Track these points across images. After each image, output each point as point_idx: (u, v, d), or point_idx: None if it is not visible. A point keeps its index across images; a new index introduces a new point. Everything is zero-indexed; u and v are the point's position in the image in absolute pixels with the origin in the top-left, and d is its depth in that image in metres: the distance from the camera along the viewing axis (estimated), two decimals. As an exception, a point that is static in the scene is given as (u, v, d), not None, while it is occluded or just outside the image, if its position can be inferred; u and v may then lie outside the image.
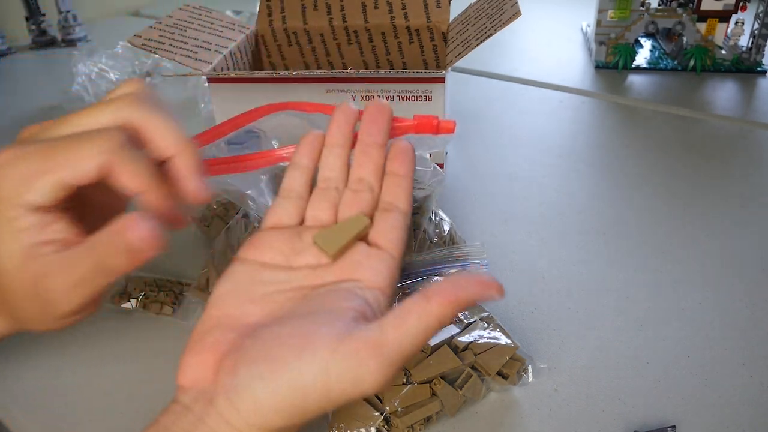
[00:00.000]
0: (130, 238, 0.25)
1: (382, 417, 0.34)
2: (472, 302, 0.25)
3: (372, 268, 0.29)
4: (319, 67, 0.70)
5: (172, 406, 0.27)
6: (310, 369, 0.24)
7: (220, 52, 0.59)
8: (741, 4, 0.87)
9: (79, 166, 0.25)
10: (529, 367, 0.39)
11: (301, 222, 0.32)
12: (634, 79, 0.88)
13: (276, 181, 0.36)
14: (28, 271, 0.25)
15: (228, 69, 0.60)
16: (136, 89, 0.28)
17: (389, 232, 0.31)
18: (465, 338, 0.38)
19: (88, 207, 0.29)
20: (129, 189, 0.26)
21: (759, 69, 0.87)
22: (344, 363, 0.24)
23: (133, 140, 0.27)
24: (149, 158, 0.27)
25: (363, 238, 0.31)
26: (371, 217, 0.31)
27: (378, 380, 0.24)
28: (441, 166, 0.57)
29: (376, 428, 0.34)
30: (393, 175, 0.32)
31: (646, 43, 0.98)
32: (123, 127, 0.27)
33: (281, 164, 0.35)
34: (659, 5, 1.02)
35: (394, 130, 0.34)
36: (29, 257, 0.25)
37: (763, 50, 0.86)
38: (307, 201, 0.32)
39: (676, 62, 0.90)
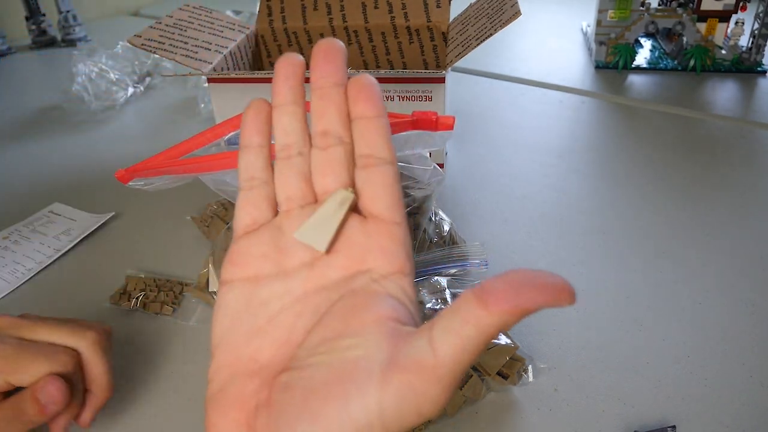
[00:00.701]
0: (39, 394, 0.31)
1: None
2: (539, 309, 0.20)
3: (378, 248, 0.24)
4: (319, 67, 0.70)
5: None
6: (362, 416, 0.21)
7: (220, 52, 0.59)
8: (741, 4, 0.87)
9: (25, 377, 0.31)
10: (529, 367, 0.39)
11: (276, 212, 0.27)
12: (634, 79, 0.88)
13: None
14: None
15: (228, 69, 0.60)
16: (99, 337, 0.34)
17: (382, 195, 0.25)
18: (465, 338, 0.38)
19: None
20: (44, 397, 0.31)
21: (759, 69, 0.87)
22: (399, 398, 0.21)
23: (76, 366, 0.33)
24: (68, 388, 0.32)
25: (353, 209, 0.25)
26: (352, 178, 0.26)
27: (439, 405, 0.21)
28: (441, 165, 0.57)
29: (376, 428, 0.34)
30: (362, 119, 0.26)
31: (646, 43, 0.98)
32: (73, 352, 0.33)
33: None
34: (659, 5, 1.02)
35: (393, 127, 0.33)
36: None
37: (763, 50, 0.86)
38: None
39: (676, 62, 0.90)
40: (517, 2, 0.51)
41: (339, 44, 0.27)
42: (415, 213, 0.46)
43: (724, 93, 0.82)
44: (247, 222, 0.27)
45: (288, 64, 0.27)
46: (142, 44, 0.53)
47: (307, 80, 0.27)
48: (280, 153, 0.27)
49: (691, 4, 0.90)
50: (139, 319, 0.47)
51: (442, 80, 0.53)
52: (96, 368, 0.34)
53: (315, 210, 0.25)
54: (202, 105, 0.82)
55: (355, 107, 0.26)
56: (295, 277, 0.25)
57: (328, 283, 0.25)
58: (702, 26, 0.88)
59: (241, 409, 0.23)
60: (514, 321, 0.20)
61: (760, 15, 0.84)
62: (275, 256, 0.25)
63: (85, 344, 0.34)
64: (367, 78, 0.26)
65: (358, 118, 0.26)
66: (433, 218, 0.47)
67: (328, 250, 0.25)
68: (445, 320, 0.21)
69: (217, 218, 0.53)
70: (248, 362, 0.24)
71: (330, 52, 0.27)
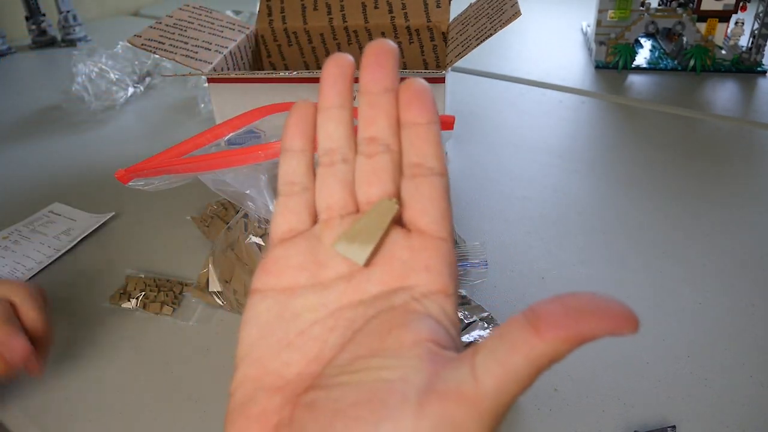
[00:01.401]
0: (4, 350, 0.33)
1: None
2: (598, 338, 0.18)
3: (422, 264, 0.23)
4: (319, 67, 0.70)
5: None
6: None
7: (220, 52, 0.59)
8: (741, 4, 0.87)
9: None
10: (529, 367, 0.39)
11: (315, 220, 0.25)
12: (634, 79, 0.88)
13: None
14: None
15: (228, 69, 0.60)
16: (31, 290, 0.39)
17: (429, 208, 0.23)
18: (465, 338, 0.38)
19: None
20: None
21: (759, 69, 0.87)
22: (434, 429, 0.18)
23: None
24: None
25: (396, 222, 0.24)
26: (398, 189, 0.24)
27: None
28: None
29: (376, 428, 0.34)
30: (413, 125, 0.24)
31: (646, 43, 0.98)
32: (7, 303, 0.37)
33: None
34: (659, 5, 1.02)
35: None
36: None
37: (763, 50, 0.86)
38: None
39: (676, 62, 0.90)
40: (517, 2, 0.51)
41: (391, 46, 0.25)
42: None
43: (724, 93, 0.82)
44: (285, 229, 0.25)
45: (336, 65, 0.25)
46: (142, 44, 0.53)
47: (355, 80, 0.25)
48: (323, 159, 0.25)
49: (691, 4, 0.90)
50: (139, 319, 0.47)
51: (442, 80, 0.53)
52: (33, 316, 0.38)
53: (356, 220, 0.24)
54: (202, 105, 0.82)
55: (407, 113, 0.24)
56: (331, 289, 0.24)
57: (366, 298, 0.23)
58: (702, 26, 0.88)
59: (264, 426, 0.22)
60: (569, 351, 0.19)
61: (760, 15, 0.84)
62: (312, 266, 0.24)
63: (19, 296, 0.38)
64: (421, 83, 0.24)
65: (410, 124, 0.24)
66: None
67: (368, 264, 0.23)
68: (491, 346, 0.19)
69: (217, 218, 0.53)
70: (274, 377, 0.23)
71: (382, 54, 0.24)
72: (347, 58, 0.25)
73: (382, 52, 0.24)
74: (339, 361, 0.22)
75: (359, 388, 0.20)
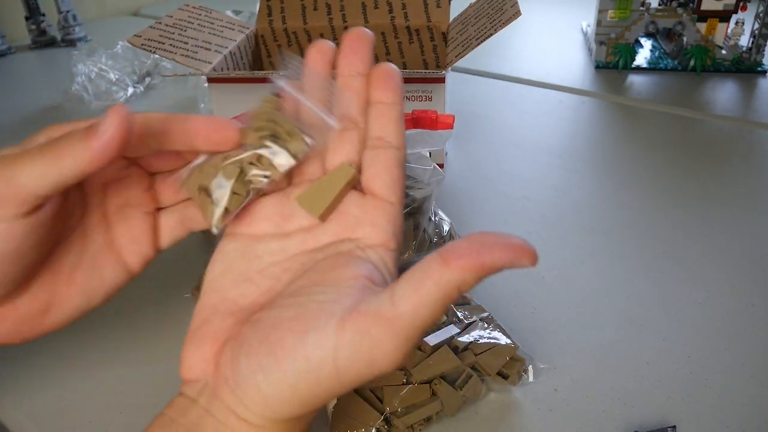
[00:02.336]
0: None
1: (382, 417, 0.34)
2: (499, 269, 0.21)
3: (369, 221, 0.26)
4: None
5: (178, 399, 0.25)
6: (316, 353, 0.22)
7: (220, 52, 0.59)
8: (741, 4, 0.87)
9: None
10: (529, 367, 0.39)
11: (289, 182, 0.29)
12: (634, 79, 0.88)
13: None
14: None
15: (228, 69, 0.60)
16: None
17: (383, 175, 0.27)
18: (465, 338, 0.38)
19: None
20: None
21: (759, 69, 0.87)
22: (354, 343, 0.21)
23: None
24: None
25: (354, 186, 0.27)
26: (360, 159, 0.28)
27: (394, 359, 0.22)
28: (441, 165, 0.57)
29: (376, 428, 0.34)
30: (378, 103, 0.28)
31: (646, 43, 0.98)
32: None
33: None
34: (659, 5, 1.02)
35: None
36: None
37: (764, 50, 0.86)
38: None
39: (676, 62, 0.90)
40: (517, 2, 0.51)
41: (367, 34, 0.28)
42: (414, 213, 0.46)
43: (724, 93, 0.82)
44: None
45: (319, 51, 0.29)
46: (142, 44, 0.53)
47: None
48: None
49: (691, 4, 0.90)
50: (139, 320, 0.47)
51: (442, 80, 0.53)
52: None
53: (318, 180, 0.27)
54: (202, 105, 0.82)
55: (374, 93, 0.28)
56: (291, 239, 0.27)
57: (318, 246, 0.27)
58: (702, 26, 0.88)
59: (213, 344, 0.25)
60: (475, 279, 0.21)
61: (761, 15, 0.84)
62: (278, 220, 0.28)
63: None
64: (389, 66, 0.28)
65: (375, 102, 0.28)
66: (432, 218, 0.47)
67: (324, 219, 0.27)
68: (408, 277, 0.22)
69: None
70: (230, 304, 0.26)
71: (359, 42, 0.28)
72: (329, 45, 0.29)
73: (359, 39, 0.28)
74: (287, 291, 0.25)
75: (297, 307, 0.24)
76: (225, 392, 0.24)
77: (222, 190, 0.27)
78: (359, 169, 0.28)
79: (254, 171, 0.27)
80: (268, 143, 0.27)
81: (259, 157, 0.27)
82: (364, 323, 0.22)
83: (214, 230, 0.27)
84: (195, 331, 0.26)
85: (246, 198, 0.27)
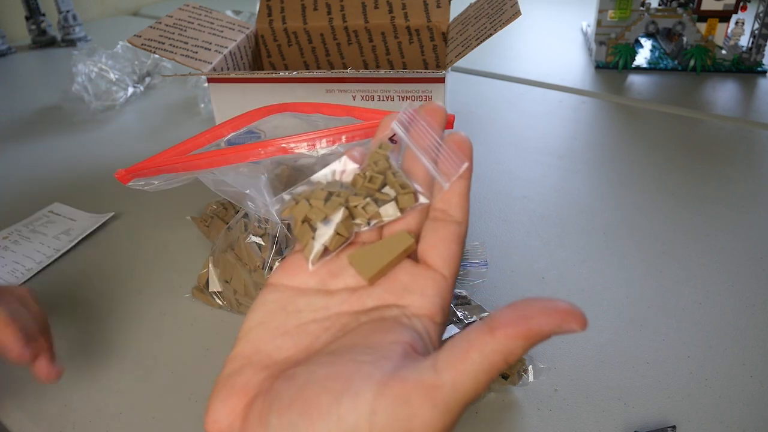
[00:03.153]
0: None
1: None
2: (547, 335, 0.20)
3: (419, 291, 0.26)
4: (319, 67, 0.70)
5: None
6: (351, 416, 0.21)
7: (220, 52, 0.59)
8: (741, 4, 0.87)
9: None
10: (529, 367, 0.39)
11: None
12: (634, 79, 0.88)
13: (278, 180, 0.36)
14: None
15: (228, 69, 0.60)
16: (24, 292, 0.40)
17: (440, 247, 0.27)
18: (465, 338, 0.38)
19: None
20: None
21: (759, 69, 0.87)
22: (392, 409, 0.20)
23: None
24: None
25: (410, 255, 0.27)
26: (419, 229, 0.28)
27: (431, 429, 0.20)
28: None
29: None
30: (446, 171, 0.28)
31: (647, 43, 0.98)
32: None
33: (286, 160, 0.34)
34: (659, 5, 1.02)
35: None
36: None
37: (764, 50, 0.86)
38: None
39: (676, 62, 0.90)
40: (517, 2, 0.51)
41: (441, 109, 0.28)
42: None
43: (724, 93, 0.82)
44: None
45: (432, 110, 0.29)
46: (142, 44, 0.53)
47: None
48: None
49: (691, 4, 0.90)
50: (139, 320, 0.47)
51: (442, 80, 0.53)
52: (36, 310, 0.40)
53: (375, 243, 0.27)
54: (202, 105, 0.82)
55: (444, 161, 0.28)
56: (335, 297, 0.26)
57: (363, 309, 0.26)
58: (702, 26, 0.88)
59: (243, 397, 0.24)
60: (522, 348, 0.21)
61: (761, 15, 0.84)
62: (325, 275, 0.27)
63: (17, 294, 0.40)
64: (462, 138, 0.28)
65: (443, 172, 0.28)
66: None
67: (373, 282, 0.26)
68: (452, 346, 0.21)
69: (217, 218, 0.53)
70: (264, 357, 0.25)
71: (433, 115, 0.28)
72: (441, 107, 0.29)
73: (433, 112, 0.28)
74: (325, 351, 0.24)
75: (333, 366, 0.23)
76: None
77: (326, 228, 0.27)
78: (417, 239, 0.27)
79: (360, 217, 0.27)
80: (380, 194, 0.27)
81: (366, 204, 0.27)
82: (404, 389, 0.21)
83: (310, 267, 0.27)
84: (225, 381, 0.25)
85: (346, 241, 0.27)
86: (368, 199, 0.27)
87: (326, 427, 0.21)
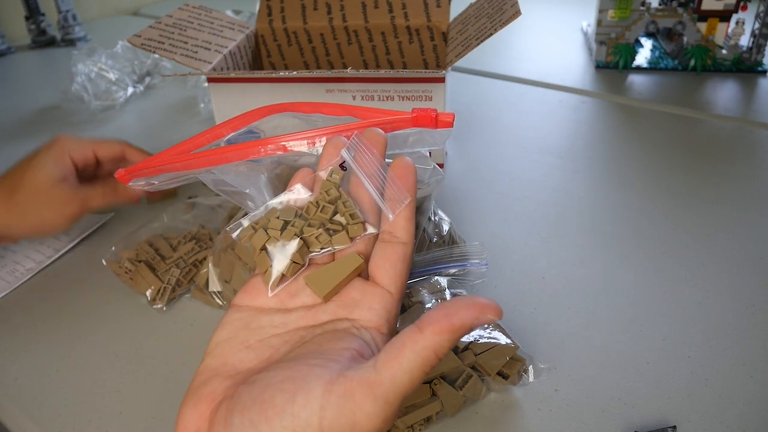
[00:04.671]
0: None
1: (382, 417, 0.34)
2: (470, 328, 0.24)
3: (368, 306, 0.29)
4: (319, 67, 0.70)
5: None
6: (303, 412, 0.23)
7: (219, 52, 0.59)
8: (742, 3, 0.87)
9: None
10: (530, 367, 0.39)
11: None
12: (635, 79, 0.88)
13: (278, 180, 0.36)
14: (52, 182, 0.49)
15: (228, 69, 0.60)
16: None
17: (386, 266, 0.30)
18: (465, 338, 0.38)
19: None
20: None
21: (760, 69, 0.87)
22: (339, 405, 0.23)
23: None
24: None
25: (360, 273, 0.30)
26: (369, 251, 0.30)
27: (375, 423, 0.23)
28: (441, 165, 0.57)
29: (376, 428, 0.34)
30: (392, 201, 0.31)
31: (647, 43, 0.98)
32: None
33: (285, 159, 0.34)
34: (660, 5, 1.02)
35: (392, 124, 0.34)
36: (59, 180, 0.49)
37: (764, 50, 0.86)
38: None
39: (676, 62, 0.90)
40: (517, 2, 0.51)
41: (382, 137, 0.31)
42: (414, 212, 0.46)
43: (724, 93, 0.82)
44: None
45: (374, 136, 0.31)
46: (142, 44, 0.53)
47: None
48: None
49: (691, 4, 0.90)
50: (139, 320, 0.47)
51: (442, 80, 0.53)
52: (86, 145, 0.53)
53: (328, 265, 0.30)
54: (202, 105, 0.82)
55: (390, 190, 0.30)
56: (293, 314, 0.29)
57: (317, 323, 0.29)
58: (702, 26, 0.88)
59: (209, 404, 0.26)
60: (449, 341, 0.24)
61: (761, 15, 0.84)
62: (284, 296, 0.30)
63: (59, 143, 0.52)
64: (407, 163, 0.31)
65: (390, 199, 0.30)
66: (432, 218, 0.47)
67: (327, 299, 0.29)
68: (389, 347, 0.24)
69: (144, 265, 0.49)
70: (229, 368, 0.27)
71: (375, 141, 0.31)
72: (381, 133, 0.32)
73: (374, 139, 0.31)
74: (284, 359, 0.27)
75: (290, 370, 0.25)
76: None
77: (283, 257, 0.29)
78: (367, 258, 0.30)
79: (314, 246, 0.30)
80: (332, 223, 0.30)
81: (319, 234, 0.30)
82: (349, 386, 0.23)
83: (270, 293, 0.30)
84: (194, 391, 0.27)
85: (302, 267, 0.30)
86: (321, 230, 0.30)
87: (281, 424, 0.23)
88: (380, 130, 0.31)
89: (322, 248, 0.30)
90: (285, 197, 0.31)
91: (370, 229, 0.30)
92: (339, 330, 0.28)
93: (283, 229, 0.30)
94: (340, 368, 0.24)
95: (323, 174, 0.31)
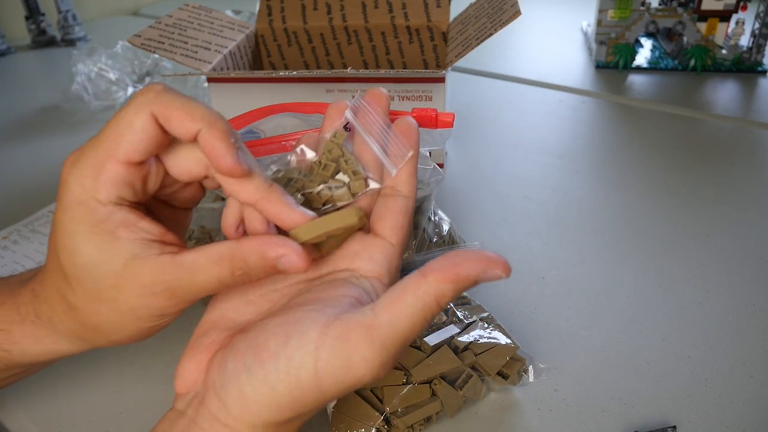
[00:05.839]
0: (275, 257, 0.26)
1: (382, 417, 0.34)
2: (474, 280, 0.23)
3: (368, 256, 0.28)
4: (319, 67, 0.70)
5: (168, 413, 0.26)
6: (297, 354, 0.23)
7: (219, 52, 0.59)
8: (741, 3, 0.87)
9: (132, 132, 0.24)
10: (530, 367, 0.39)
11: None
12: (635, 79, 0.88)
13: (277, 183, 0.36)
14: (110, 268, 0.25)
15: (228, 69, 0.60)
16: (155, 87, 0.26)
17: (388, 218, 0.29)
18: (465, 338, 0.38)
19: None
20: (185, 130, 0.24)
21: (759, 69, 0.87)
22: (334, 347, 0.22)
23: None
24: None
25: (362, 228, 0.29)
26: (371, 207, 0.30)
27: (371, 367, 0.22)
28: (441, 165, 0.57)
29: (376, 428, 0.34)
30: (394, 156, 0.30)
31: (647, 43, 0.98)
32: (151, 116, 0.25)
33: (283, 161, 0.34)
34: (660, 5, 1.02)
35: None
36: (128, 256, 0.25)
37: (764, 50, 0.86)
38: None
39: (676, 62, 0.90)
40: (517, 2, 0.51)
41: (385, 95, 0.31)
42: (414, 212, 0.46)
43: (724, 93, 0.82)
44: None
45: (376, 95, 0.31)
46: (142, 44, 0.53)
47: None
48: None
49: (691, 4, 0.90)
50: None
51: (442, 80, 0.53)
52: (182, 106, 0.25)
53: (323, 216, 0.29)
54: (202, 105, 0.82)
55: (392, 145, 0.30)
56: None
57: (318, 275, 0.29)
58: (702, 26, 0.88)
59: (206, 354, 0.26)
60: (452, 290, 0.23)
61: (761, 15, 0.84)
62: None
63: (149, 99, 0.25)
64: (410, 123, 0.30)
65: (392, 155, 0.30)
66: (432, 218, 0.47)
67: (326, 253, 0.29)
68: (390, 291, 0.24)
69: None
70: (228, 321, 0.27)
71: (378, 99, 0.31)
72: (384, 92, 0.31)
73: (378, 96, 0.30)
74: (282, 310, 0.26)
75: (285, 315, 0.25)
76: (211, 397, 0.25)
77: None
78: (369, 215, 0.30)
79: (315, 202, 0.30)
80: (334, 180, 0.30)
81: (321, 190, 0.30)
82: (345, 329, 0.23)
83: None
84: (192, 344, 0.27)
85: None
86: (322, 186, 0.29)
87: (275, 366, 0.23)
88: (384, 89, 0.31)
89: (324, 204, 0.30)
90: (289, 157, 0.31)
91: (372, 185, 0.30)
92: (338, 279, 0.27)
93: (285, 185, 0.30)
94: (337, 312, 0.24)
95: (327, 135, 0.31)
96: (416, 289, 0.23)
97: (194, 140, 0.25)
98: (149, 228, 0.26)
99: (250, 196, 0.26)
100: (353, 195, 0.30)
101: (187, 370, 0.26)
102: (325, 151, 0.30)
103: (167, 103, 0.24)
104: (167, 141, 0.26)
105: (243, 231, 0.28)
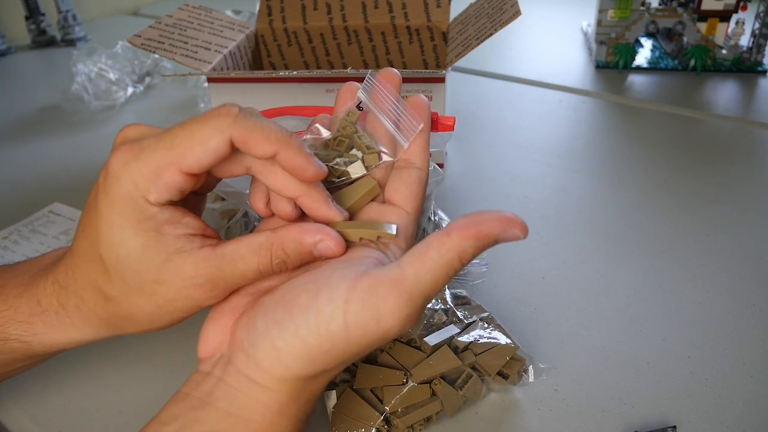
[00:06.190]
0: (312, 243, 0.27)
1: (382, 417, 0.34)
2: (495, 239, 0.24)
3: (384, 222, 0.30)
4: (319, 67, 0.70)
5: (193, 375, 0.27)
6: (327, 307, 0.24)
7: (219, 52, 0.59)
8: (742, 3, 0.87)
9: (204, 150, 0.26)
10: (530, 367, 0.39)
11: None
12: (635, 79, 0.88)
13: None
14: (154, 262, 0.26)
15: (228, 69, 0.60)
16: (232, 111, 0.27)
17: (402, 188, 0.31)
18: (465, 338, 0.38)
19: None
20: (263, 152, 0.26)
21: (760, 69, 0.87)
22: (363, 300, 0.24)
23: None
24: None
25: (375, 198, 0.31)
26: (385, 179, 0.32)
27: (399, 318, 0.24)
28: (441, 165, 0.57)
29: (376, 428, 0.34)
30: (405, 130, 0.32)
31: (647, 43, 0.98)
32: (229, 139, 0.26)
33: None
34: (660, 5, 1.02)
35: None
36: (172, 250, 0.26)
37: (764, 50, 0.86)
38: None
39: (676, 62, 0.90)
40: (517, 2, 0.51)
41: (397, 75, 0.32)
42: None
43: (724, 93, 0.82)
44: None
45: (349, 91, 0.32)
46: (142, 44, 0.53)
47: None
48: None
49: (691, 4, 0.90)
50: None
51: (442, 80, 0.53)
52: (259, 129, 0.26)
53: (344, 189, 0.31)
54: (202, 105, 0.82)
55: (404, 120, 0.31)
56: None
57: None
58: (702, 26, 0.88)
59: (231, 316, 0.27)
60: (473, 248, 0.24)
61: (761, 15, 0.84)
62: None
63: (227, 122, 0.26)
64: (421, 99, 0.31)
65: (404, 129, 0.31)
66: (432, 218, 0.47)
67: (359, 241, 0.29)
68: (414, 248, 0.25)
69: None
70: (250, 287, 0.28)
71: (390, 77, 0.32)
72: (356, 85, 0.32)
73: (389, 75, 0.31)
74: (306, 271, 0.28)
75: (313, 275, 0.26)
76: (239, 356, 0.25)
77: None
78: (383, 188, 0.31)
79: (330, 176, 0.31)
80: (348, 154, 0.31)
81: (335, 164, 0.31)
82: (374, 282, 0.24)
83: None
84: (215, 309, 0.28)
85: None
86: (337, 160, 0.31)
87: (306, 319, 0.24)
88: (395, 70, 0.32)
89: (338, 177, 0.31)
90: (305, 136, 0.32)
91: (386, 158, 0.31)
92: (358, 245, 0.29)
93: None
94: (364, 269, 0.25)
95: (341, 115, 0.32)
96: (440, 246, 0.24)
97: (272, 159, 0.27)
98: (191, 223, 0.27)
99: (295, 192, 0.28)
100: (367, 168, 0.31)
101: (212, 334, 0.27)
102: (339, 128, 0.32)
103: (247, 128, 0.26)
104: (229, 156, 0.27)
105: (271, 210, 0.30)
